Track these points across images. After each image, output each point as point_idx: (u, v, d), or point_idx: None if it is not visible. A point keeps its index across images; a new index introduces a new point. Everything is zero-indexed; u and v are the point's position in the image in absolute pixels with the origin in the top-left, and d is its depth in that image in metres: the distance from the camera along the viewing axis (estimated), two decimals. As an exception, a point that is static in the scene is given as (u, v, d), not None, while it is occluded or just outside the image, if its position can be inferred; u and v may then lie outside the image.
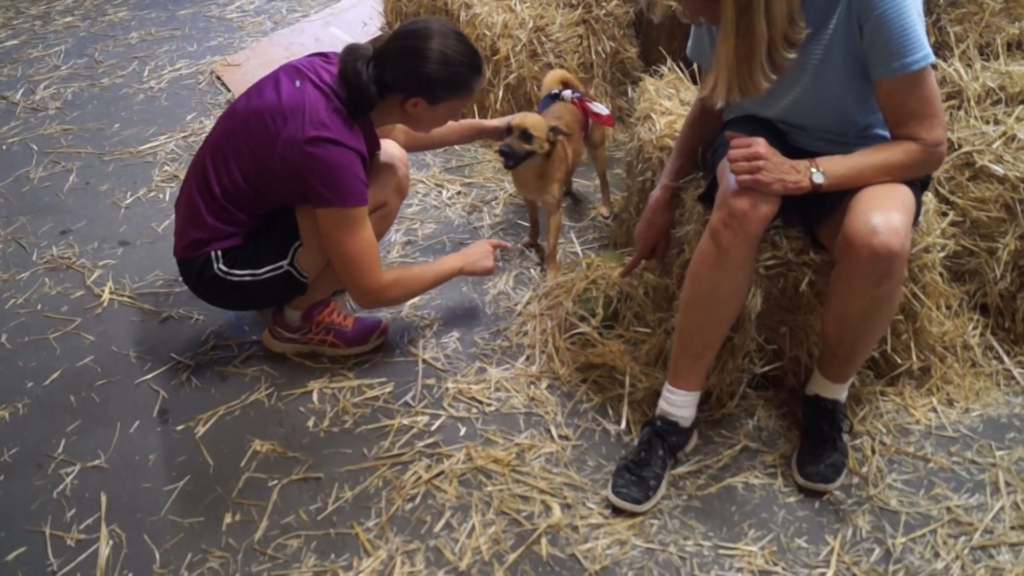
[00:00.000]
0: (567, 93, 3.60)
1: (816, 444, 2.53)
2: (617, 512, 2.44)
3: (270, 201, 2.77)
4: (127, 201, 4.09)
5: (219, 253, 2.76)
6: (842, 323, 2.40)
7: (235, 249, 2.77)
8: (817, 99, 2.37)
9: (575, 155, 3.55)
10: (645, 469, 2.46)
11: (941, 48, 3.14)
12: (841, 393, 2.56)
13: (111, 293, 3.41)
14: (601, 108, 3.56)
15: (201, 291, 2.87)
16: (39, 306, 3.37)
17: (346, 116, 2.66)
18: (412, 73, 2.65)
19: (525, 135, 3.21)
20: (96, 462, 2.67)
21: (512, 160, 3.22)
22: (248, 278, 2.77)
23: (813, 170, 2.23)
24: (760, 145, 2.23)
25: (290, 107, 2.63)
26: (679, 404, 2.52)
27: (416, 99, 2.71)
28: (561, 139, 3.33)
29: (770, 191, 2.22)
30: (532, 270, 3.47)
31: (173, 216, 2.91)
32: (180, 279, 2.84)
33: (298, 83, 2.69)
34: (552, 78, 3.83)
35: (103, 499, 2.53)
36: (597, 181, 3.95)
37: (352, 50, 2.70)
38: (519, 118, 3.26)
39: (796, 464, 2.53)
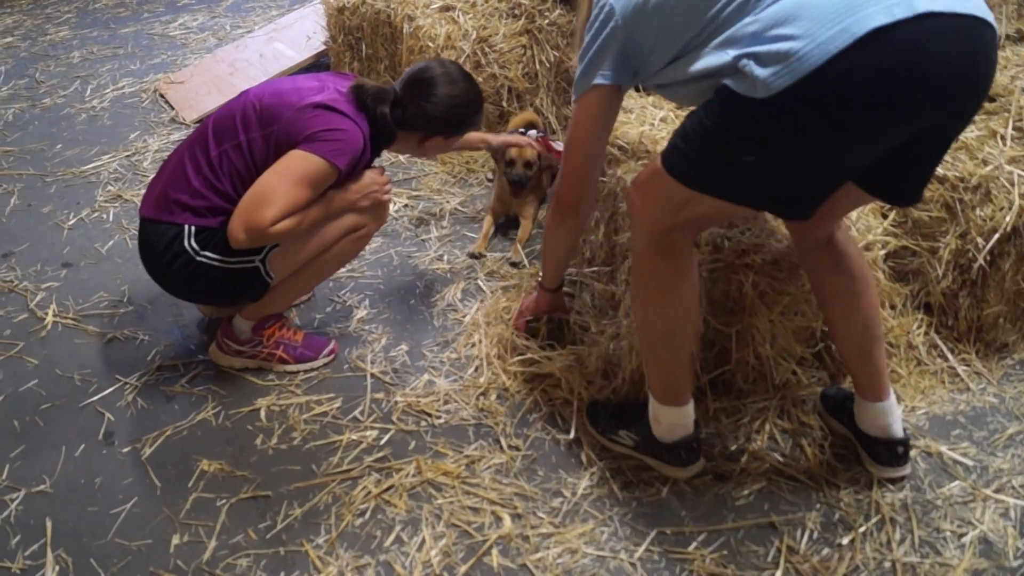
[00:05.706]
0: (532, 132, 4.00)
1: None
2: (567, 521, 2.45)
3: (262, 169, 2.68)
4: (70, 222, 4.04)
5: (193, 229, 2.69)
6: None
7: (210, 230, 2.70)
8: None
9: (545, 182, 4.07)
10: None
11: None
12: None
13: (55, 315, 3.36)
14: (560, 146, 3.96)
15: (161, 267, 2.77)
16: (-20, 331, 3.33)
17: (361, 113, 2.77)
18: (433, 118, 2.87)
19: (529, 165, 3.76)
20: (41, 487, 2.63)
21: (524, 186, 3.77)
22: (216, 263, 2.70)
23: None
24: None
25: (308, 89, 2.75)
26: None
27: (436, 137, 2.92)
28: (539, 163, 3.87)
29: None
30: (480, 282, 3.47)
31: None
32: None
33: (316, 82, 2.80)
34: (520, 118, 4.24)
35: (48, 524, 2.49)
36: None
37: (377, 94, 2.80)
38: (516, 151, 3.76)
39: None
